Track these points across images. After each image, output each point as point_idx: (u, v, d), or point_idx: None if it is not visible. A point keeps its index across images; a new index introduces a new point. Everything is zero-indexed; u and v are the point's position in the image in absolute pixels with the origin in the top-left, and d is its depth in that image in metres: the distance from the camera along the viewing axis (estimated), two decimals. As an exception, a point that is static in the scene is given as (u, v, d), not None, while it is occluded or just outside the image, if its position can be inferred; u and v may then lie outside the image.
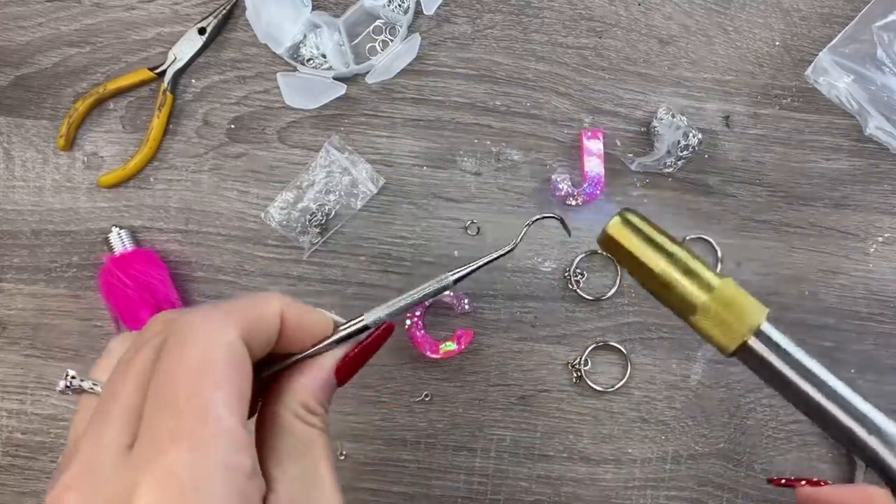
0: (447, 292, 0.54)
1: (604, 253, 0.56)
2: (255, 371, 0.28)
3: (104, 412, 0.26)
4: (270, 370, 0.31)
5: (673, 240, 0.34)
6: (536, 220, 0.38)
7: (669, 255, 0.33)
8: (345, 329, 0.32)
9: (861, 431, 0.30)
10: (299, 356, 0.31)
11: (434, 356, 0.54)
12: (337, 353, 0.32)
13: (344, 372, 0.32)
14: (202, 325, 0.26)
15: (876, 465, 0.29)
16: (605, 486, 0.56)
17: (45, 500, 0.24)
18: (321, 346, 0.32)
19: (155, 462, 0.24)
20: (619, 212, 0.35)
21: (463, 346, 0.54)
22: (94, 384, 0.29)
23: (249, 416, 0.28)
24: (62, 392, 0.29)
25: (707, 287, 0.32)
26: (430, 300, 0.34)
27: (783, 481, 0.39)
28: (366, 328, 0.33)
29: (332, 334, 0.32)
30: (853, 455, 0.29)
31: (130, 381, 0.26)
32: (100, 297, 0.55)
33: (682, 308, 0.33)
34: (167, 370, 0.25)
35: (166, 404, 0.25)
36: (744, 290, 0.33)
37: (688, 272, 0.33)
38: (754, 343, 0.32)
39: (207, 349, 0.26)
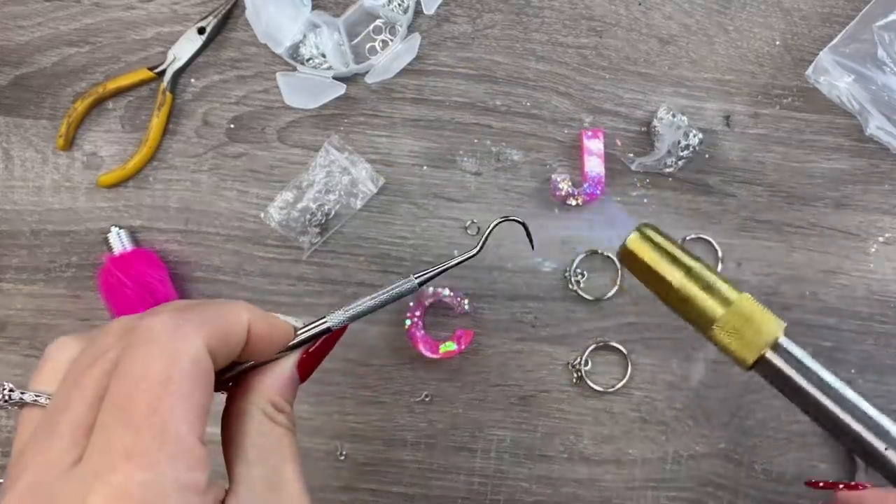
0: (447, 292, 0.54)
1: (604, 253, 0.56)
2: (216, 376, 0.27)
3: (52, 425, 0.25)
4: (233, 372, 0.31)
5: (690, 254, 0.35)
6: (499, 222, 0.38)
7: (688, 270, 0.34)
8: (307, 331, 0.33)
9: (879, 444, 0.31)
10: (263, 362, 0.32)
11: (434, 356, 0.54)
12: (298, 351, 0.33)
13: (305, 369, 0.33)
14: (165, 335, 0.25)
15: (894, 479, 0.30)
16: (605, 486, 0.56)
17: None
18: (285, 351, 0.32)
19: (106, 478, 0.23)
20: (637, 227, 0.36)
21: (463, 347, 0.54)
22: (38, 396, 0.27)
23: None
24: (0, 407, 0.28)
25: (725, 301, 0.33)
26: (396, 301, 0.35)
27: (821, 484, 0.40)
28: (328, 330, 0.34)
29: (294, 337, 0.33)
30: (868, 465, 0.30)
31: (83, 394, 0.25)
32: (99, 297, 0.55)
33: (701, 322, 0.34)
34: (125, 383, 0.24)
35: (123, 419, 0.24)
36: (761, 305, 0.34)
37: (706, 286, 0.34)
38: (772, 356, 0.33)
39: (170, 362, 0.25)
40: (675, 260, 0.34)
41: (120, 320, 0.28)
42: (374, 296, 0.34)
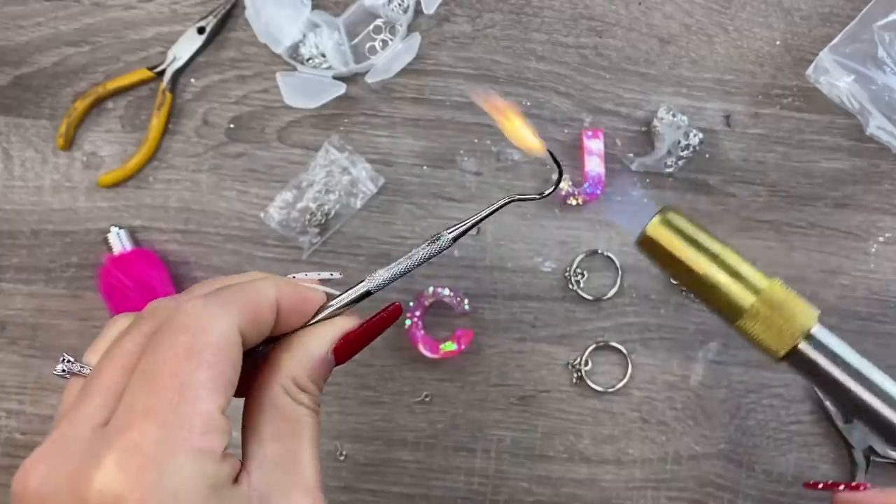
0: (447, 292, 0.54)
1: (604, 253, 0.56)
2: (249, 352, 0.27)
3: (86, 390, 0.26)
4: (265, 347, 0.30)
5: (717, 239, 0.32)
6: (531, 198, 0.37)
7: (714, 256, 0.32)
8: (346, 297, 0.31)
9: None
10: (293, 331, 0.30)
11: (434, 356, 0.54)
12: (336, 331, 0.30)
13: (344, 351, 0.30)
14: (197, 312, 0.26)
15: None
16: (605, 486, 0.56)
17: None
18: (318, 318, 0.31)
19: (124, 435, 0.24)
20: (658, 211, 0.33)
21: (463, 347, 0.54)
22: (83, 367, 0.29)
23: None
24: (59, 375, 0.29)
25: (754, 289, 0.31)
26: (427, 261, 0.32)
27: (820, 486, 0.38)
28: (368, 293, 0.31)
29: (328, 305, 0.31)
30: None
31: (115, 363, 0.26)
32: (99, 297, 0.55)
33: (729, 311, 0.31)
34: (153, 353, 0.25)
35: (146, 383, 0.25)
36: (793, 292, 0.31)
37: (734, 273, 0.31)
38: (805, 347, 0.31)
39: (197, 335, 0.26)
40: (700, 246, 0.32)
41: (161, 300, 0.29)
42: (410, 255, 0.32)
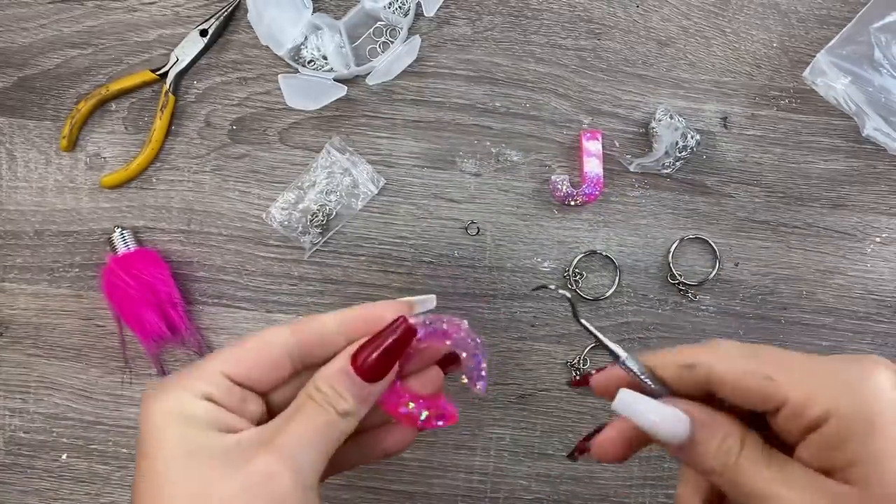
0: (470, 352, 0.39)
1: (603, 253, 0.56)
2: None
3: None
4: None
5: None
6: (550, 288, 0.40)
7: None
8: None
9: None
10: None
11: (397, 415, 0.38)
12: (354, 348, 0.36)
13: (361, 362, 0.35)
14: (270, 328, 0.37)
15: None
16: (603, 484, 0.56)
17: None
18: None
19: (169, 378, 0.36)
20: None
21: (437, 424, 0.38)
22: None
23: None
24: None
25: None
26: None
27: (579, 378, 0.40)
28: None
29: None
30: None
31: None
32: (102, 297, 0.56)
33: None
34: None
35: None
36: None
37: None
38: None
39: (255, 335, 0.36)
40: None
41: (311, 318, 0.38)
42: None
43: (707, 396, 0.33)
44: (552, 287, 0.40)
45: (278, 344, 0.36)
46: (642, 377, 0.34)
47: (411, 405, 0.37)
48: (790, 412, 0.30)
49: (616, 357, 0.34)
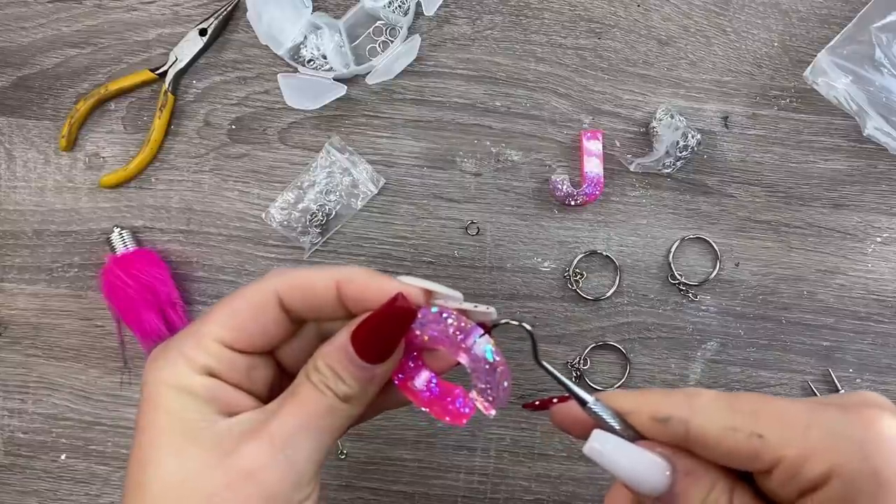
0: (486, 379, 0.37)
1: (603, 253, 0.56)
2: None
3: None
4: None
5: None
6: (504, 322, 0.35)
7: None
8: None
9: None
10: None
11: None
12: (353, 326, 0.32)
13: (361, 341, 0.31)
14: (256, 281, 0.34)
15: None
16: (604, 484, 0.56)
17: None
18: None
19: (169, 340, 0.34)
20: None
21: (446, 419, 0.36)
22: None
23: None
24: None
25: None
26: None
27: (537, 403, 0.35)
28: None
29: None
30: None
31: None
32: (101, 297, 0.56)
33: None
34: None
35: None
36: None
37: None
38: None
39: (240, 291, 0.34)
40: None
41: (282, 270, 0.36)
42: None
43: (685, 447, 0.29)
44: (514, 323, 0.34)
45: (269, 303, 0.33)
46: (611, 423, 0.31)
47: (418, 384, 0.34)
48: (785, 473, 0.27)
49: (582, 403, 0.31)
